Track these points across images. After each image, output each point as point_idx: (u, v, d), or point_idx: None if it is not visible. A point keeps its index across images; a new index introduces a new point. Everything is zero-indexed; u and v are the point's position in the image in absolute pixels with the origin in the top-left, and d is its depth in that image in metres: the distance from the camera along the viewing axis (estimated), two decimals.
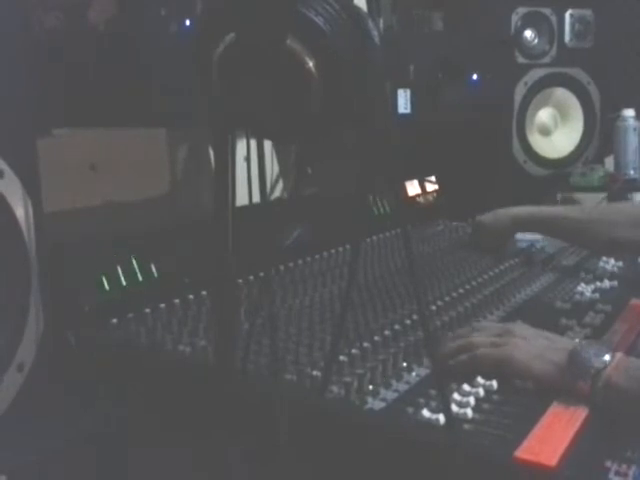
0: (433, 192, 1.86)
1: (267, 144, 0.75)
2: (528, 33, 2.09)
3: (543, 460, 0.66)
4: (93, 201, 1.25)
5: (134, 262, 1.09)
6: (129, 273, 1.08)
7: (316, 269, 1.28)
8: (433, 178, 1.88)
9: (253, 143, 0.63)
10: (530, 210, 1.38)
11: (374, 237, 1.51)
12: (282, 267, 1.26)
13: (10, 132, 0.86)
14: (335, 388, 0.79)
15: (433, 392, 0.78)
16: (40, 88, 0.92)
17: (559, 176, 2.09)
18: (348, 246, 1.39)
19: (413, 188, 1.81)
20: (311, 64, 0.52)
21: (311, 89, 0.53)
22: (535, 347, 0.84)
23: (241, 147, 0.70)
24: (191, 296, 1.10)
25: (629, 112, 2.08)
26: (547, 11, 2.09)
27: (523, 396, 0.80)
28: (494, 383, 0.81)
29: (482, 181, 1.97)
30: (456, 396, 0.78)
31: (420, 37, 2.11)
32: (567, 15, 2.11)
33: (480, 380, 0.82)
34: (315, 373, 0.83)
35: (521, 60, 2.09)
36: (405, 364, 0.87)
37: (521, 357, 0.83)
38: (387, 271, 1.28)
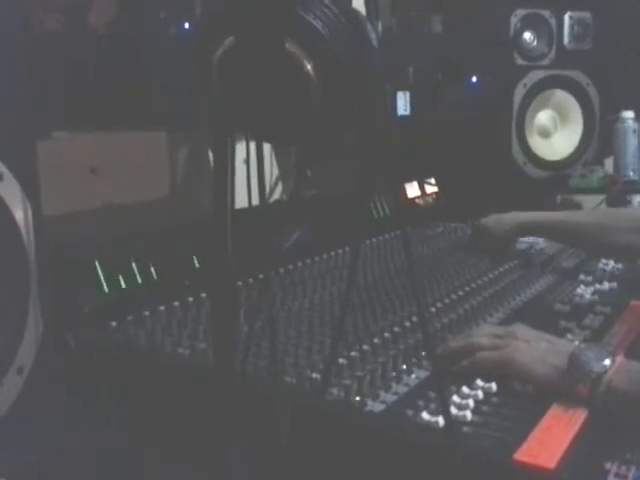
0: (433, 194, 1.86)
1: (266, 146, 0.75)
2: (527, 35, 2.09)
3: (542, 462, 0.66)
4: (93, 204, 1.25)
5: (134, 264, 1.09)
6: (129, 275, 1.08)
7: (315, 271, 1.28)
8: (433, 180, 1.88)
9: (252, 145, 0.63)
10: (532, 215, 1.38)
11: (374, 239, 1.51)
12: (282, 269, 1.26)
13: (10, 135, 0.86)
14: (335, 390, 0.80)
15: (432, 394, 0.78)
16: (40, 91, 0.92)
17: (559, 178, 2.09)
18: (348, 248, 1.39)
19: (413, 190, 1.81)
20: (310, 67, 0.52)
21: (310, 92, 0.53)
22: (536, 350, 0.84)
23: (240, 149, 0.70)
24: (190, 298, 1.10)
25: (628, 114, 2.08)
26: (546, 13, 2.09)
27: (522, 399, 0.80)
28: (493, 386, 0.81)
29: (482, 183, 1.97)
30: (455, 398, 0.78)
31: (419, 39, 2.11)
32: (566, 17, 2.11)
33: (479, 383, 0.82)
34: (314, 375, 0.83)
35: (520, 62, 2.09)
36: (404, 366, 0.87)
37: (522, 360, 0.83)
38: (387, 273, 1.28)
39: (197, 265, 1.17)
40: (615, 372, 0.77)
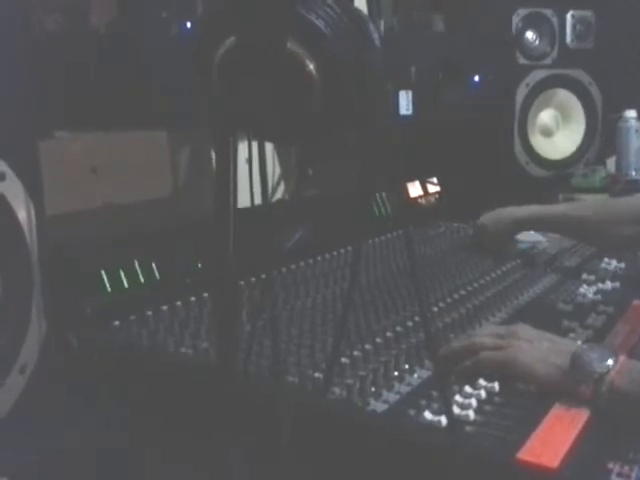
0: (435, 193, 1.86)
1: (269, 146, 0.75)
2: (529, 34, 2.09)
3: (545, 462, 0.66)
4: (94, 203, 1.25)
5: (136, 264, 1.09)
6: (131, 275, 1.08)
7: (318, 271, 1.28)
8: (435, 179, 1.88)
9: (255, 145, 0.63)
10: (530, 209, 1.38)
11: (376, 239, 1.51)
12: (284, 269, 1.26)
13: (11, 134, 0.86)
14: (337, 390, 0.79)
15: (435, 394, 0.78)
16: (41, 90, 0.92)
17: (561, 177, 2.09)
18: (350, 248, 1.39)
19: (415, 189, 1.81)
20: (312, 67, 0.52)
21: (312, 91, 0.53)
22: (539, 350, 0.84)
23: (243, 149, 0.70)
24: (193, 298, 1.10)
25: (631, 113, 2.08)
26: (548, 12, 2.09)
27: (525, 398, 0.79)
28: (496, 385, 0.81)
29: (484, 182, 1.97)
30: (458, 398, 0.78)
31: (421, 38, 2.11)
32: (568, 16, 2.11)
33: (482, 382, 0.82)
34: (317, 375, 0.83)
35: (522, 61, 2.09)
36: (407, 366, 0.87)
37: (525, 360, 0.83)
38: (389, 273, 1.28)
39: (199, 265, 1.17)
40: (618, 372, 0.77)
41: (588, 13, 2.12)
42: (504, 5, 2.09)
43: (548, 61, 2.11)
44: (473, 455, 0.69)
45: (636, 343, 0.97)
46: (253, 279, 1.16)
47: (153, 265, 1.11)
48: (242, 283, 1.14)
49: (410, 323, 0.99)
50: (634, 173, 2.07)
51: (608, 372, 0.77)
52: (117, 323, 1.01)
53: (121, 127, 1.34)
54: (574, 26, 2.12)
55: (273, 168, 1.68)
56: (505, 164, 2.08)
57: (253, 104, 0.56)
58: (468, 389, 0.80)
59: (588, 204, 1.58)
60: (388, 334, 0.95)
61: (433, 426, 0.73)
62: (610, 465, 0.68)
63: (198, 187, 1.49)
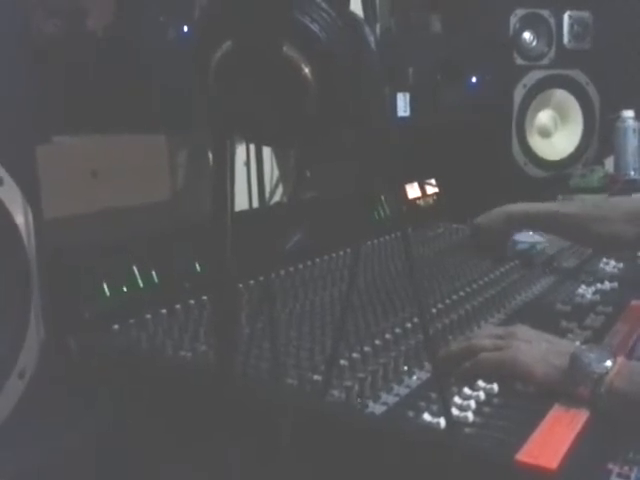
0: (433, 195, 1.86)
1: (267, 148, 0.75)
2: (527, 35, 2.09)
3: (544, 463, 0.66)
4: (93, 207, 1.25)
5: (135, 268, 1.09)
6: (130, 279, 1.08)
7: (316, 273, 1.28)
8: (433, 181, 1.88)
9: (252, 148, 0.63)
10: (525, 207, 1.38)
11: (374, 240, 1.51)
12: (282, 271, 1.27)
13: (10, 139, 0.86)
14: (336, 392, 0.80)
15: (434, 395, 0.78)
16: (40, 94, 0.93)
17: (559, 178, 2.09)
18: (348, 249, 1.39)
19: (413, 191, 1.81)
20: (307, 70, 0.53)
21: (308, 95, 0.54)
22: (538, 350, 0.84)
23: (241, 152, 0.70)
24: (192, 301, 1.10)
25: (628, 113, 2.08)
26: (545, 13, 2.09)
27: (524, 399, 0.80)
28: (495, 386, 0.81)
29: (482, 183, 1.97)
30: (457, 399, 0.78)
31: (418, 40, 2.11)
32: (565, 17, 2.11)
33: (481, 383, 0.82)
34: (316, 377, 0.83)
35: (520, 62, 2.09)
36: (406, 368, 0.87)
37: (524, 360, 0.83)
38: (387, 274, 1.28)
39: (198, 268, 1.17)
40: (616, 373, 0.77)
41: (585, 13, 2.13)
42: (501, 6, 2.09)
43: (545, 62, 2.11)
44: (472, 456, 0.69)
45: (635, 343, 0.97)
46: (252, 282, 1.16)
47: (152, 269, 1.11)
48: (241, 286, 1.14)
49: (409, 325, 0.99)
50: (632, 173, 2.07)
51: (607, 373, 0.77)
52: (116, 327, 1.01)
53: (120, 131, 1.34)
54: (571, 26, 2.12)
55: (271, 171, 1.69)
56: (503, 165, 2.09)
57: (250, 108, 0.56)
58: (467, 391, 0.80)
59: (579, 203, 1.58)
60: (387, 336, 0.95)
61: (432, 428, 0.73)
62: (609, 466, 0.69)
63: (197, 190, 1.49)
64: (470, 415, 0.74)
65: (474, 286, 1.19)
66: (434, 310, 1.06)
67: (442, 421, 0.72)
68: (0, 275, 0.87)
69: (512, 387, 0.82)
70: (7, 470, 0.83)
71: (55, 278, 0.95)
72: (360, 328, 0.98)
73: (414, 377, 0.85)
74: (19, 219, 0.87)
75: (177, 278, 1.14)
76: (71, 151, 1.27)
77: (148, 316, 1.04)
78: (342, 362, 0.85)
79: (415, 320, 1.00)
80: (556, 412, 0.76)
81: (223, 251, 0.65)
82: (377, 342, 0.93)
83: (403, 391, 0.82)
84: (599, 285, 1.23)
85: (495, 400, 0.79)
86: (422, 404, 0.77)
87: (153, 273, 1.11)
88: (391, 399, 0.80)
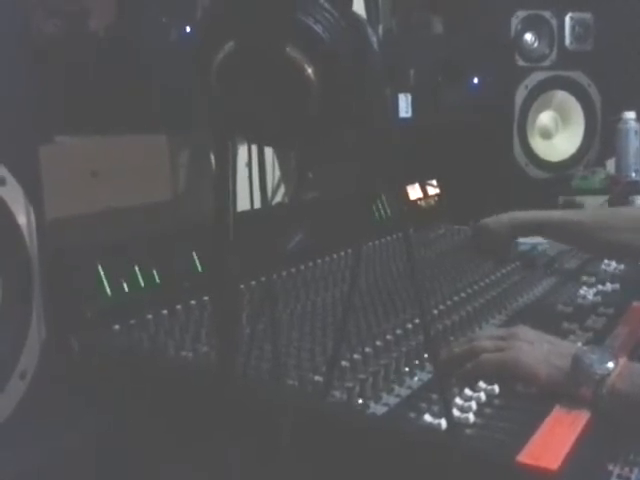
0: (434, 196, 1.86)
1: (268, 149, 0.75)
2: (528, 36, 2.09)
3: (545, 464, 0.66)
4: (95, 207, 1.25)
5: (136, 268, 1.09)
6: (131, 279, 1.08)
7: (318, 274, 1.28)
8: (434, 182, 1.88)
9: (254, 148, 0.63)
10: (531, 215, 1.38)
11: (376, 241, 1.51)
12: (284, 272, 1.26)
13: (12, 139, 0.86)
14: (337, 393, 0.79)
15: (435, 397, 0.78)
16: (41, 95, 0.93)
17: (560, 179, 2.09)
18: (349, 250, 1.39)
19: (414, 192, 1.81)
20: (310, 71, 0.53)
21: (310, 96, 0.54)
22: (540, 352, 0.84)
23: (242, 152, 0.70)
24: (193, 302, 1.10)
25: (630, 114, 2.08)
26: (547, 14, 2.09)
27: (525, 400, 0.80)
28: (496, 387, 0.81)
29: (483, 184, 1.97)
30: (458, 400, 0.78)
31: (420, 40, 2.11)
32: (567, 18, 2.11)
33: (482, 385, 0.82)
34: (317, 378, 0.83)
35: (521, 63, 2.09)
36: (407, 369, 0.87)
37: (526, 361, 0.83)
38: (389, 275, 1.28)
39: (199, 268, 1.18)
40: (618, 375, 0.77)
41: (587, 15, 2.13)
42: (503, 7, 2.09)
43: (547, 63, 2.11)
44: (473, 457, 0.69)
45: (636, 345, 0.97)
46: (253, 282, 1.16)
47: (153, 269, 1.11)
48: (242, 286, 1.14)
49: (410, 326, 0.99)
50: (634, 174, 2.07)
51: (609, 374, 0.77)
52: (117, 327, 1.01)
53: (121, 131, 1.34)
54: (573, 28, 2.12)
55: (273, 171, 1.69)
56: (505, 166, 2.09)
57: (252, 108, 0.56)
58: (468, 392, 0.80)
59: (587, 211, 1.58)
60: (388, 337, 0.95)
61: (433, 429, 0.73)
62: (610, 467, 0.69)
63: (198, 191, 1.49)
64: (471, 416, 0.74)
65: (475, 287, 1.19)
66: (435, 311, 1.06)
67: (443, 422, 0.72)
68: (2, 275, 0.87)
69: (513, 388, 0.82)
70: (8, 470, 0.83)
71: (56, 278, 0.95)
72: (361, 329, 0.98)
73: (415, 378, 0.85)
74: (21, 219, 0.88)
75: (178, 278, 1.14)
76: (73, 151, 1.27)
77: (149, 316, 1.04)
78: (343, 363, 0.85)
79: (416, 321, 1.00)
80: (557, 413, 0.76)
81: (224, 251, 0.65)
82: (378, 343, 0.92)
83: (404, 392, 0.82)
84: (600, 286, 1.23)
85: (496, 401, 0.79)
86: (423, 405, 0.77)
87: (154, 273, 1.11)
88: (392, 400, 0.80)
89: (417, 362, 0.89)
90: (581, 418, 0.75)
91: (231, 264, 0.65)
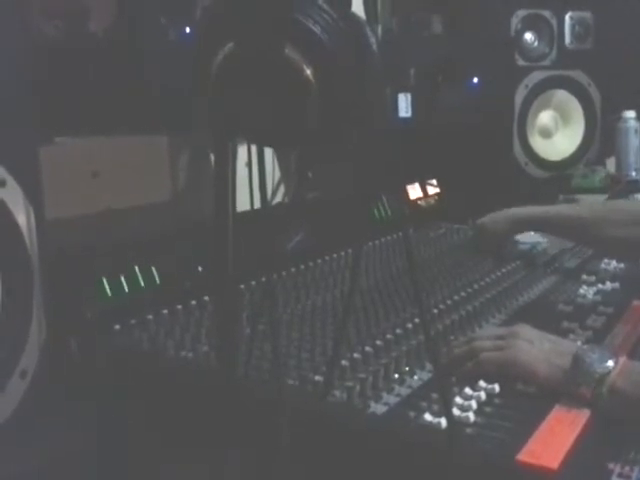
0: (434, 195, 1.86)
1: (268, 149, 0.76)
2: (528, 35, 2.09)
3: (545, 463, 0.66)
4: (95, 208, 1.26)
5: (136, 268, 1.09)
6: (131, 279, 1.08)
7: (317, 274, 1.28)
8: (434, 181, 1.88)
9: (254, 148, 0.64)
10: (528, 210, 1.38)
11: (375, 241, 1.51)
12: (284, 272, 1.27)
13: (12, 140, 0.86)
14: (337, 392, 0.80)
15: (435, 396, 0.78)
16: (41, 96, 0.93)
17: (560, 178, 2.09)
18: (349, 250, 1.39)
19: (414, 191, 1.81)
20: (309, 72, 0.53)
21: (309, 96, 0.54)
22: (540, 350, 0.84)
23: (242, 152, 0.70)
24: (193, 302, 1.10)
25: (630, 113, 2.08)
26: (547, 13, 2.09)
27: (525, 399, 0.80)
28: (496, 387, 0.81)
29: (483, 184, 1.97)
30: (458, 400, 0.78)
31: (420, 40, 2.11)
32: (567, 17, 2.11)
33: (482, 384, 0.82)
34: (317, 378, 0.83)
35: (521, 63, 2.09)
36: (407, 368, 0.87)
37: (526, 359, 0.83)
38: (389, 275, 1.28)
39: (199, 268, 1.18)
40: (618, 374, 0.78)
41: (587, 14, 2.13)
42: (503, 7, 2.09)
43: (547, 62, 2.11)
44: (473, 457, 0.69)
45: (636, 344, 0.97)
46: (253, 282, 1.16)
47: (153, 269, 1.11)
48: (242, 286, 1.14)
49: (410, 325, 0.99)
50: (634, 173, 2.07)
51: (609, 373, 0.78)
52: (118, 327, 1.01)
53: (121, 132, 1.34)
54: (573, 27, 2.12)
55: (272, 171, 1.69)
56: (505, 165, 2.09)
57: (252, 109, 0.56)
58: (468, 391, 0.80)
59: (585, 206, 1.58)
60: (388, 336, 0.95)
61: (433, 428, 0.73)
62: (610, 466, 0.69)
63: (198, 191, 1.50)
64: (471, 415, 0.74)
65: (475, 286, 1.19)
66: (435, 310, 1.06)
67: (443, 421, 0.72)
68: (2, 275, 0.87)
69: (513, 387, 0.82)
70: (9, 469, 0.83)
71: (57, 278, 0.95)
72: (361, 328, 0.99)
73: (415, 377, 0.85)
74: (21, 220, 0.88)
75: (178, 278, 1.14)
76: (73, 152, 1.27)
77: (149, 316, 1.04)
78: (343, 362, 0.85)
79: (416, 320, 1.00)
80: (557, 412, 0.76)
81: (225, 252, 0.65)
82: (378, 342, 0.93)
83: (404, 391, 0.82)
84: (600, 285, 1.23)
85: (496, 400, 0.79)
86: (423, 404, 0.77)
87: (154, 273, 1.11)
88: (392, 399, 0.80)
89: (417, 361, 0.89)
90: (581, 417, 0.75)
91: (231, 264, 0.65)
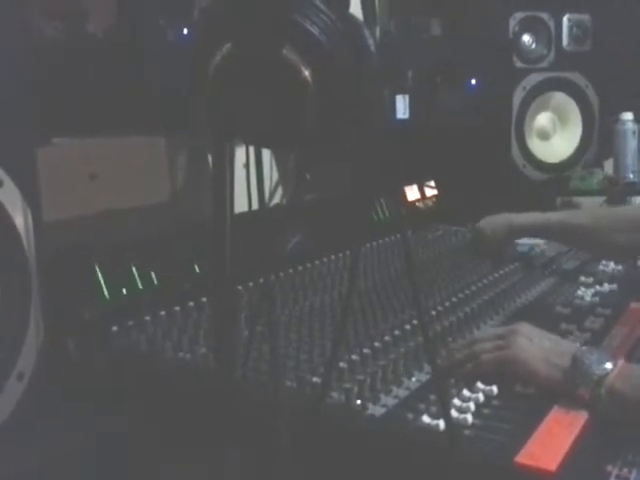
0: (432, 197, 1.86)
1: (266, 150, 0.76)
2: (526, 38, 2.09)
3: (543, 465, 0.66)
4: (92, 209, 1.25)
5: (134, 270, 1.09)
6: (129, 281, 1.08)
7: (316, 275, 1.28)
8: (432, 183, 1.88)
9: (252, 150, 0.64)
10: (528, 217, 1.38)
11: (374, 242, 1.51)
12: (282, 273, 1.27)
13: (10, 141, 0.86)
14: (335, 394, 0.80)
15: (433, 398, 0.78)
16: (39, 97, 0.93)
17: (558, 180, 2.09)
18: (348, 252, 1.39)
19: (412, 193, 1.81)
20: (307, 73, 0.53)
21: (307, 97, 0.54)
22: (540, 349, 0.84)
23: (240, 154, 0.70)
24: (191, 303, 1.10)
25: (628, 115, 2.08)
26: (545, 16, 2.09)
27: (523, 401, 0.80)
28: (494, 388, 0.81)
29: (481, 186, 1.97)
30: (456, 401, 0.78)
31: (418, 42, 2.11)
32: (565, 19, 2.11)
33: (480, 385, 0.82)
34: (315, 379, 0.83)
35: (519, 65, 2.09)
36: (405, 370, 0.87)
37: (526, 357, 0.83)
38: (387, 276, 1.28)
39: (197, 270, 1.18)
40: (617, 376, 0.78)
41: (584, 16, 2.13)
42: (501, 9, 2.09)
43: (545, 64, 2.11)
44: (471, 459, 0.69)
45: (634, 345, 0.97)
46: (251, 284, 1.16)
47: (151, 270, 1.11)
48: (240, 288, 1.14)
49: (408, 327, 0.99)
50: (632, 175, 2.07)
51: (607, 375, 0.78)
52: (115, 329, 1.01)
53: (119, 133, 1.34)
54: (570, 29, 2.12)
55: (270, 172, 1.69)
56: (502, 167, 2.08)
57: (249, 110, 0.56)
58: (466, 393, 0.80)
59: (586, 212, 1.58)
60: (386, 338, 0.95)
61: (431, 430, 0.73)
62: (609, 468, 0.68)
63: (196, 192, 1.49)
64: (469, 417, 0.74)
65: (473, 288, 1.19)
66: (433, 312, 1.06)
67: (441, 423, 0.72)
68: (0, 277, 0.87)
69: (511, 389, 0.82)
70: (6, 471, 0.83)
71: (54, 280, 0.95)
72: (359, 330, 0.98)
73: (413, 379, 0.85)
74: (19, 221, 0.87)
75: (176, 280, 1.14)
76: (71, 153, 1.27)
77: (147, 318, 1.04)
78: (341, 364, 0.85)
79: (414, 322, 1.00)
80: (555, 414, 0.76)
81: (222, 253, 0.65)
82: (376, 344, 0.93)
83: (402, 393, 0.82)
84: (598, 287, 1.23)
85: (494, 402, 0.79)
86: (421, 406, 0.77)
87: (152, 275, 1.11)
88: (390, 401, 0.80)
89: (415, 363, 0.89)
90: (579, 419, 0.75)
91: (229, 266, 0.65)
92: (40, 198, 0.91)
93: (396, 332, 0.97)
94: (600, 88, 2.15)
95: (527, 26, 2.08)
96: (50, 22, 1.31)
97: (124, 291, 1.07)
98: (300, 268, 1.31)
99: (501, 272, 1.31)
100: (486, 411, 0.77)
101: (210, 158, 0.62)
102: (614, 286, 1.23)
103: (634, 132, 2.07)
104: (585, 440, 0.72)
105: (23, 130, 0.89)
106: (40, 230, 0.90)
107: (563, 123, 2.19)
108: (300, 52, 0.52)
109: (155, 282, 1.11)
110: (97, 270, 1.05)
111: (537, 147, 2.14)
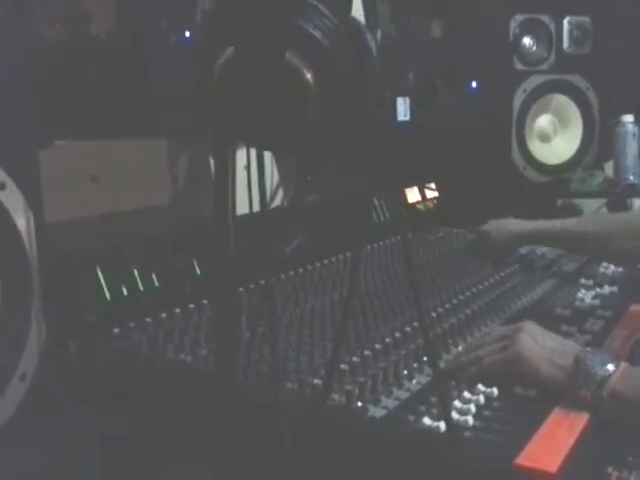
0: (433, 199, 1.86)
1: (267, 152, 0.76)
2: (526, 40, 2.10)
3: (544, 467, 0.66)
4: (94, 211, 1.26)
5: (135, 272, 1.09)
6: (130, 283, 1.08)
7: (316, 277, 1.29)
8: (433, 185, 1.88)
9: (253, 152, 0.64)
10: (532, 225, 1.38)
11: (374, 244, 1.51)
12: (283, 275, 1.27)
13: (12, 144, 0.86)
14: (336, 396, 0.80)
15: (434, 399, 0.79)
16: (42, 100, 0.93)
17: (559, 182, 2.09)
18: (348, 254, 1.39)
19: (413, 195, 1.81)
20: (309, 77, 0.53)
21: (309, 101, 0.54)
22: (543, 347, 0.85)
23: (241, 156, 0.71)
24: (192, 305, 1.10)
25: (628, 118, 2.08)
26: (545, 18, 2.09)
27: (524, 403, 0.80)
28: (495, 390, 0.81)
29: (482, 187, 1.97)
30: (457, 403, 0.78)
31: (419, 45, 2.12)
32: (565, 22, 2.11)
33: (481, 387, 0.82)
34: (316, 381, 0.83)
35: (520, 67, 2.09)
36: (406, 372, 0.87)
37: (529, 356, 0.84)
38: (387, 278, 1.28)
39: (198, 272, 1.18)
40: (619, 377, 0.78)
41: (585, 19, 2.13)
42: (501, 11, 2.09)
43: (545, 66, 2.11)
44: (472, 460, 0.69)
45: (634, 347, 0.97)
46: (252, 286, 1.16)
47: (152, 272, 1.11)
48: (241, 290, 1.14)
49: (409, 329, 0.99)
50: (632, 177, 2.07)
51: (609, 377, 0.78)
52: (117, 330, 1.01)
53: (121, 135, 1.34)
54: (571, 32, 2.12)
55: (271, 175, 1.69)
56: (503, 169, 2.09)
57: (252, 113, 0.56)
58: (467, 394, 0.80)
59: (590, 219, 1.59)
60: (387, 340, 0.95)
61: (432, 432, 0.73)
62: (609, 470, 0.69)
63: (197, 194, 1.50)
64: (470, 419, 0.75)
65: (474, 290, 1.19)
66: (434, 314, 1.06)
67: (442, 425, 0.73)
68: (2, 279, 0.87)
69: (512, 391, 0.82)
70: (9, 472, 0.83)
71: (56, 282, 0.95)
72: (360, 332, 0.99)
73: (414, 381, 0.86)
74: (21, 223, 0.88)
75: (177, 282, 1.14)
76: (72, 155, 1.27)
77: (148, 320, 1.04)
78: (342, 366, 0.85)
79: (415, 324, 1.00)
80: (556, 416, 0.76)
81: (223, 255, 0.65)
82: (377, 346, 0.93)
83: (403, 395, 0.82)
84: (599, 289, 1.23)
85: (495, 404, 0.79)
86: (422, 408, 0.78)
87: (153, 277, 1.11)
88: (391, 403, 0.80)
89: (416, 365, 0.89)
90: (580, 421, 0.75)
91: (230, 267, 0.65)
92: (42, 200, 0.92)
93: (397, 334, 0.97)
94: (600, 90, 2.15)
95: (527, 28, 2.09)
96: (52, 25, 1.31)
97: (125, 293, 1.07)
98: (301, 270, 1.31)
99: (501, 274, 1.31)
100: (487, 413, 0.77)
101: (212, 160, 0.62)
102: (614, 288, 1.23)
103: (634, 134, 2.08)
104: (585, 442, 0.72)
105: (25, 132, 0.89)
106: (42, 232, 0.90)
107: (563, 125, 2.19)
108: (303, 55, 0.52)
109: (156, 284, 1.12)
110: (99, 272, 1.05)
111: (537, 149, 2.14)
